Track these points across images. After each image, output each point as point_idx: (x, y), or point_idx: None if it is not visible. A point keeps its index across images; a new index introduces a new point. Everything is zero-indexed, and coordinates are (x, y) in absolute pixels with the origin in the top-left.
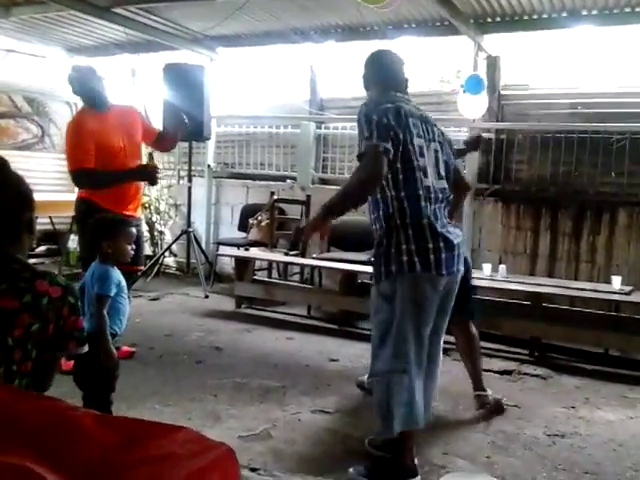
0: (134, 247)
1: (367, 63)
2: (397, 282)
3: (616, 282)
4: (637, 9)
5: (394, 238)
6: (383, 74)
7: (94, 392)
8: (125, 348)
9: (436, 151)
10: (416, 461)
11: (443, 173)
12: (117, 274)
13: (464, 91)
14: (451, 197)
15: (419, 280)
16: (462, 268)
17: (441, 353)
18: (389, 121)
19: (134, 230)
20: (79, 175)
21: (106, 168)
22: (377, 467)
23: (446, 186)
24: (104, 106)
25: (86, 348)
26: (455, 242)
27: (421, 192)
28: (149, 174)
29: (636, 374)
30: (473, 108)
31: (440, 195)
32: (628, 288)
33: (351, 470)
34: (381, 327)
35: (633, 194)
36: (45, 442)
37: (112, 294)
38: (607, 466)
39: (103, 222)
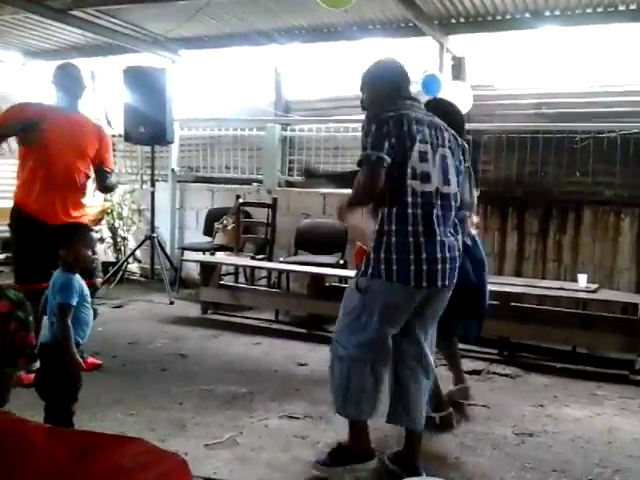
0: (96, 253)
1: (370, 76)
2: (372, 283)
3: (582, 280)
4: (598, 9)
5: (378, 244)
6: (388, 86)
7: (56, 402)
8: (91, 360)
9: (444, 157)
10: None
11: (453, 179)
12: (80, 283)
13: (423, 92)
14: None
15: (393, 289)
16: (451, 283)
17: (430, 356)
18: (388, 128)
19: (93, 236)
20: None
21: (40, 166)
22: (337, 453)
23: (455, 191)
24: (75, 108)
25: (37, 364)
26: (439, 256)
27: (410, 199)
28: None
29: (603, 371)
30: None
31: (444, 202)
32: (594, 286)
33: (314, 460)
34: (350, 313)
35: (598, 193)
36: None
37: (75, 303)
38: (575, 463)
39: (60, 230)
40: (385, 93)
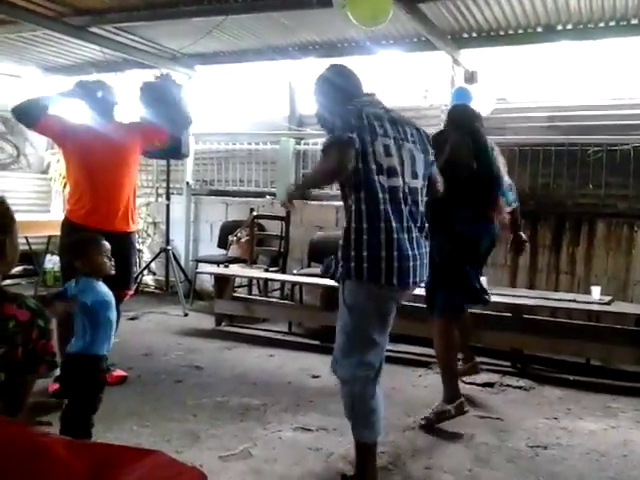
0: (112, 259)
1: (322, 85)
2: (347, 287)
3: (596, 292)
4: (611, 23)
5: (347, 242)
6: (346, 88)
7: (77, 414)
8: (117, 372)
9: (410, 150)
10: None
11: (421, 172)
12: (104, 290)
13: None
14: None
15: (365, 289)
16: (421, 280)
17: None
18: (352, 124)
19: (106, 243)
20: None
21: (89, 182)
22: None
23: (422, 185)
24: (109, 118)
25: (57, 371)
26: (410, 253)
27: (380, 195)
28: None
29: (618, 384)
30: (484, 103)
31: (411, 196)
32: (607, 298)
33: None
34: (342, 332)
35: (611, 205)
36: (13, 469)
37: (89, 302)
38: (590, 477)
39: (73, 242)
40: (339, 100)
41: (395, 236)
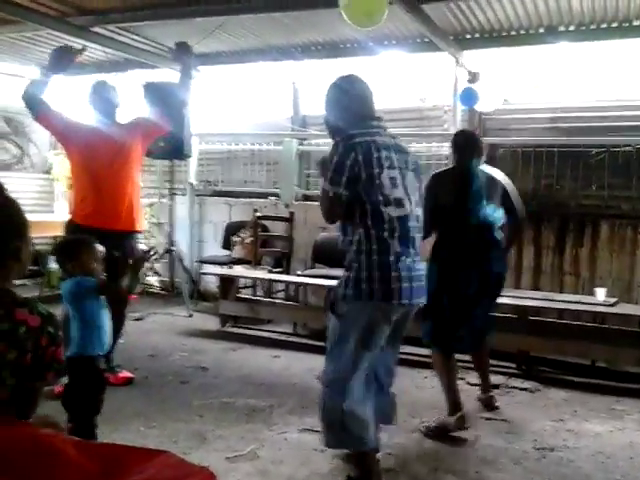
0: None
1: (336, 90)
2: (351, 305)
3: (600, 294)
4: (613, 24)
5: (357, 264)
6: (357, 102)
7: (80, 415)
8: (123, 374)
9: (412, 179)
10: None
11: (417, 199)
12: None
13: (461, 104)
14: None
15: (374, 308)
16: (421, 299)
17: (393, 375)
18: (355, 157)
19: (99, 246)
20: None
21: (93, 183)
22: None
23: (418, 211)
24: (112, 118)
25: (65, 379)
26: (414, 274)
27: (386, 226)
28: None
29: (623, 385)
30: (488, 101)
31: (415, 223)
32: (612, 300)
33: None
34: (330, 343)
35: (614, 206)
36: (25, 470)
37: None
38: (596, 479)
39: (63, 244)
40: (353, 113)
41: (402, 258)
